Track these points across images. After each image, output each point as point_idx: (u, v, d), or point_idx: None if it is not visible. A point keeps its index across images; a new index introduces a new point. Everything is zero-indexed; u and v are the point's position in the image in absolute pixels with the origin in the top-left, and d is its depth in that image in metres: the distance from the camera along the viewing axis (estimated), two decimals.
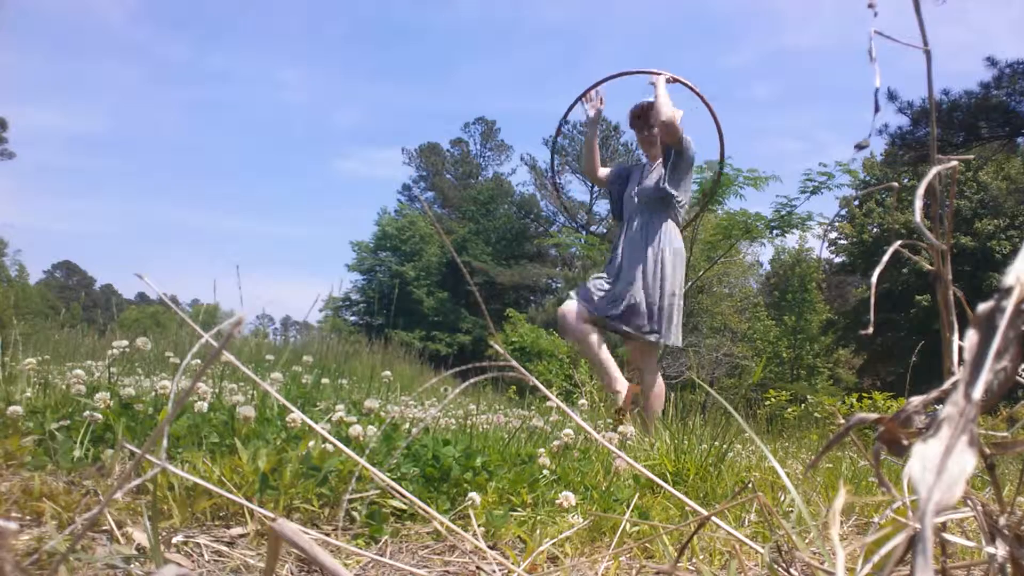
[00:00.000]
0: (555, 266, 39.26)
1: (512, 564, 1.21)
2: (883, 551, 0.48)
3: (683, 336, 3.79)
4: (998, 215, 23.62)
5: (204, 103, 76.58)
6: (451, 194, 41.78)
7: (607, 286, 3.68)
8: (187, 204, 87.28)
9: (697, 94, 3.82)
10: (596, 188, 39.07)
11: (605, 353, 3.59)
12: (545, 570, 1.23)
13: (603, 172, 4.05)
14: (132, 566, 0.97)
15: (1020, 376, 0.46)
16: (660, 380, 3.71)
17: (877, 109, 0.70)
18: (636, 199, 3.78)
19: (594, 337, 3.61)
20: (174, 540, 1.17)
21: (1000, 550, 0.53)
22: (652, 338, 3.61)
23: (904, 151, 13.29)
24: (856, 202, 26.28)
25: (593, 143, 3.97)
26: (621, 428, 2.19)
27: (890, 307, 24.38)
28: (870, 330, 0.84)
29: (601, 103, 3.86)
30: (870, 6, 0.66)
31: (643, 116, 3.84)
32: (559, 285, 37.54)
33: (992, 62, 11.88)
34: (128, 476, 0.54)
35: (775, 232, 11.48)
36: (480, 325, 34.95)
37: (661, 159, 3.77)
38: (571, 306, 3.64)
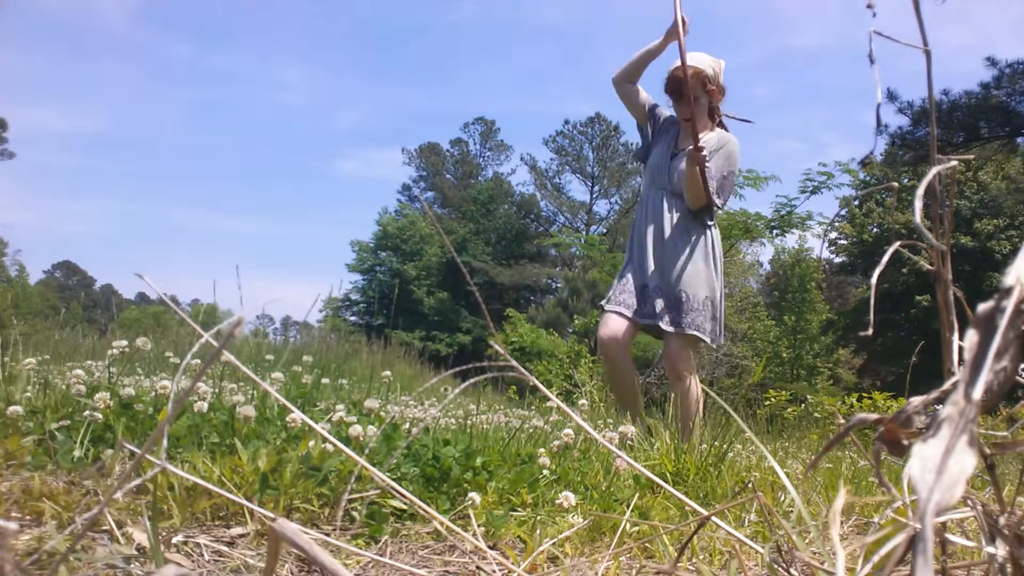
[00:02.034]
0: (555, 266, 39.29)
1: (512, 564, 1.21)
2: (883, 551, 0.48)
3: None
4: (998, 215, 23.63)
5: (204, 103, 76.67)
6: (451, 194, 41.81)
7: (635, 280, 3.24)
8: (187, 204, 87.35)
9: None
10: (595, 186, 39.09)
11: (636, 389, 3.20)
12: (545, 570, 1.23)
13: (644, 95, 3.41)
14: (132, 566, 0.97)
15: (1020, 376, 0.46)
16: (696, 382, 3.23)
17: (879, 123, 0.70)
18: (670, 175, 3.29)
19: (631, 372, 3.21)
20: (174, 540, 1.17)
21: (1000, 550, 0.53)
22: (704, 337, 3.18)
23: (904, 151, 13.29)
24: (856, 202, 26.29)
25: (649, 60, 3.31)
26: (621, 428, 2.19)
27: (890, 307, 24.39)
28: (870, 331, 0.84)
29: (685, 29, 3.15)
30: (869, 6, 0.66)
31: (680, 88, 3.20)
32: (559, 285, 37.55)
33: (992, 62, 11.88)
34: (128, 476, 0.54)
35: (775, 232, 11.48)
36: (480, 325, 34.96)
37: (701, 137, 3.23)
38: (612, 328, 3.18)
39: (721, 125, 3.40)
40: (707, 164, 3.11)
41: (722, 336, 3.29)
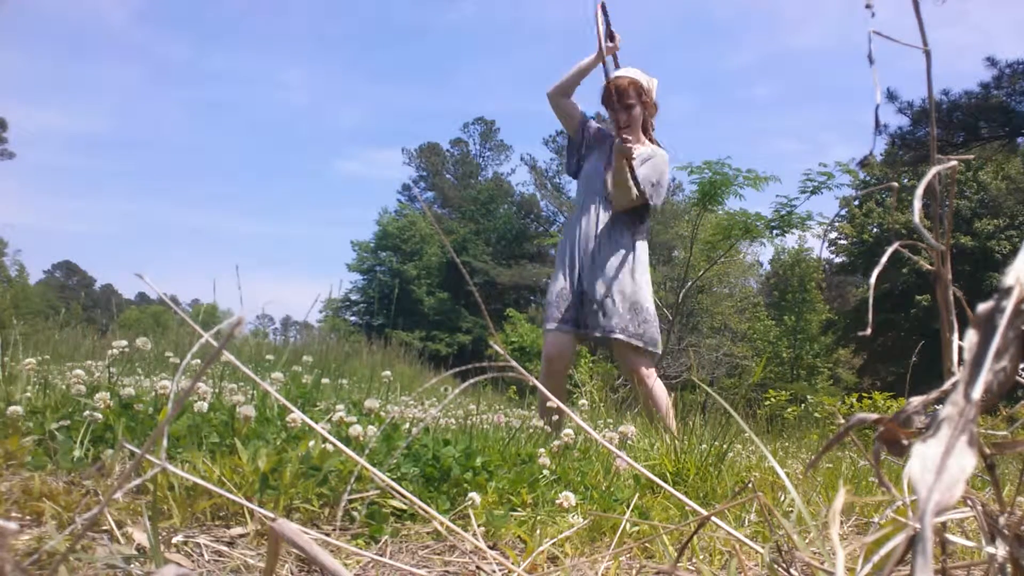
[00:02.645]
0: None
1: (512, 564, 1.21)
2: (883, 551, 0.48)
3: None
4: (998, 215, 23.63)
5: (205, 103, 76.97)
6: (451, 194, 41.82)
7: (574, 289, 3.29)
8: (187, 204, 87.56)
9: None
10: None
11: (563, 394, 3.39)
12: (545, 570, 1.23)
13: (577, 109, 3.48)
14: (132, 566, 0.97)
15: (1020, 376, 0.46)
16: (659, 384, 3.27)
17: (877, 124, 0.70)
18: (604, 184, 3.35)
19: (564, 384, 3.38)
20: (174, 540, 1.17)
21: (1000, 550, 0.53)
22: (652, 348, 3.23)
23: (904, 151, 13.29)
24: (856, 202, 26.29)
25: (583, 75, 3.38)
26: (622, 428, 2.19)
27: (890, 307, 24.39)
28: (869, 331, 0.84)
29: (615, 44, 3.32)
30: (868, 7, 0.66)
31: (617, 95, 3.33)
32: None
33: (992, 62, 11.88)
34: (128, 476, 0.54)
35: (775, 232, 11.48)
36: (480, 325, 34.97)
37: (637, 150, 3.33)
38: (558, 348, 3.27)
39: (653, 141, 3.49)
40: (633, 157, 3.18)
41: (659, 343, 3.34)
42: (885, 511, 0.73)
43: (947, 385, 0.50)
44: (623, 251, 3.33)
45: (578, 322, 3.27)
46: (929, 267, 0.66)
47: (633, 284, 3.30)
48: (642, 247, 3.41)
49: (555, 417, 2.88)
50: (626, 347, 3.24)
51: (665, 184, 3.39)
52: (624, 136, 3.14)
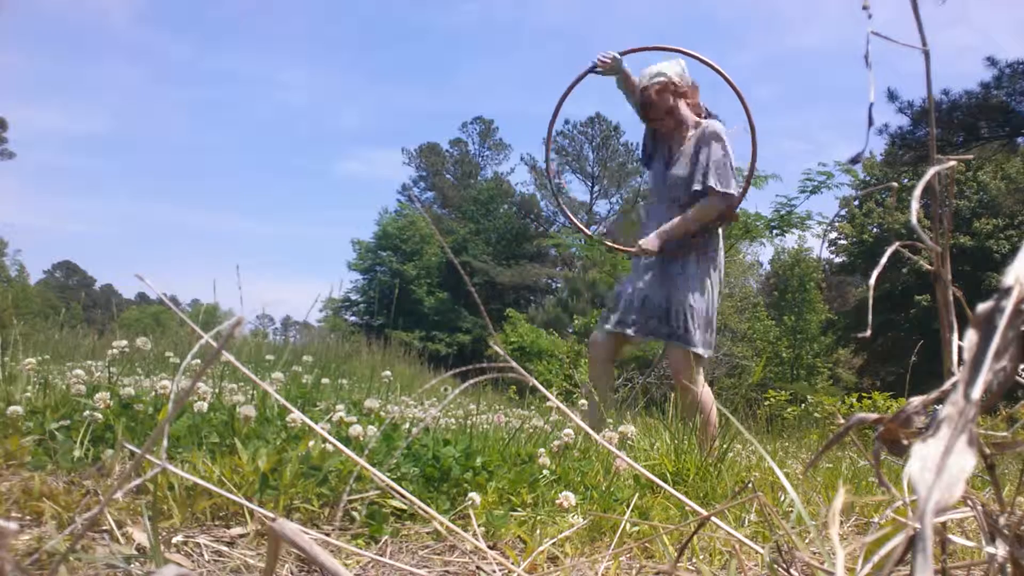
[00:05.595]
0: (555, 266, 39.32)
1: (512, 564, 1.21)
2: (883, 551, 0.48)
3: None
4: (998, 215, 23.62)
5: (206, 103, 76.92)
6: (451, 194, 41.83)
7: (635, 292, 3.31)
8: (187, 204, 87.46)
9: (727, 79, 3.31)
10: (595, 186, 39.22)
11: (611, 383, 3.42)
12: (545, 570, 1.23)
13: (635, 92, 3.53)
14: (132, 566, 0.97)
15: (1020, 376, 0.46)
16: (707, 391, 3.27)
17: (871, 123, 0.70)
18: (664, 183, 3.37)
19: (610, 376, 3.43)
20: (174, 540, 1.17)
21: (1000, 550, 0.53)
22: (692, 348, 3.19)
23: (904, 151, 13.29)
24: (856, 202, 26.29)
25: (627, 80, 3.45)
26: (622, 428, 2.19)
27: (890, 307, 24.39)
28: (868, 333, 0.84)
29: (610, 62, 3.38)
30: (864, 8, 0.66)
31: (647, 111, 3.37)
32: (559, 285, 37.58)
33: (992, 62, 11.88)
34: (128, 476, 0.54)
35: (775, 232, 11.49)
36: (480, 325, 34.95)
37: (687, 144, 3.34)
38: (604, 345, 3.34)
39: (700, 115, 3.43)
40: (648, 247, 3.25)
41: (713, 345, 3.31)
42: (885, 511, 0.73)
43: (947, 385, 0.50)
44: (695, 254, 3.31)
45: (644, 329, 3.27)
46: (929, 267, 0.66)
47: (702, 287, 3.29)
48: (717, 241, 3.38)
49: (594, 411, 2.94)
50: (684, 353, 3.21)
51: (727, 155, 3.29)
52: (641, 250, 3.26)
